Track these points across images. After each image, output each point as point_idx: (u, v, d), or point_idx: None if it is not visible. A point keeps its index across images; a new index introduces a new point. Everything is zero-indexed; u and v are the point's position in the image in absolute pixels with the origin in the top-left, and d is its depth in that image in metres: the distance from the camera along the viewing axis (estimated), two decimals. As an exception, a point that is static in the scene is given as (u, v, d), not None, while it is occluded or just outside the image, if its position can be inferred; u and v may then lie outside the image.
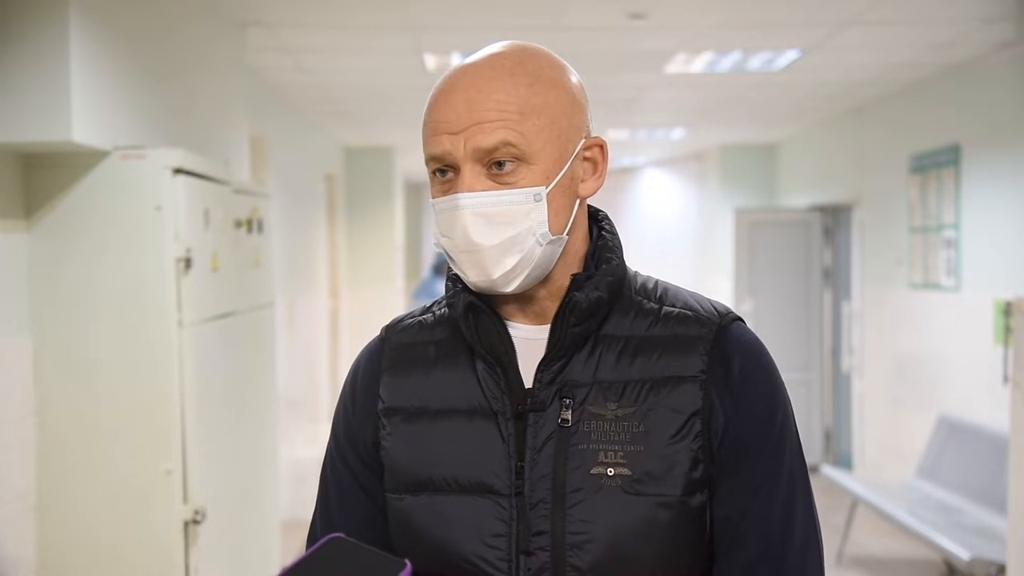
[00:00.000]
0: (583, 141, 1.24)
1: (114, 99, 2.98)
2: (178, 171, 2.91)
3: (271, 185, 5.68)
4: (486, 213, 1.18)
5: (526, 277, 1.20)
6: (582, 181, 1.24)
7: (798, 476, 1.23)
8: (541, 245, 1.19)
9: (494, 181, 1.18)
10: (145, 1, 3.34)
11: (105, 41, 2.91)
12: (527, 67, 1.21)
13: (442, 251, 1.24)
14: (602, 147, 1.26)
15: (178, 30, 3.67)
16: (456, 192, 1.18)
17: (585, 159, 1.24)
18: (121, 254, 2.88)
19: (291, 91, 6.30)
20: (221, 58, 4.25)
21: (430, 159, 1.21)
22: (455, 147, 1.18)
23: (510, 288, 1.20)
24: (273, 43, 4.92)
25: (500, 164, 1.18)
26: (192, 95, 3.80)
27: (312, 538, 1.34)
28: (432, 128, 1.20)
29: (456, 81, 1.21)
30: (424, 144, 1.22)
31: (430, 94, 1.24)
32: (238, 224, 3.50)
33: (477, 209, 1.18)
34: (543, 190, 1.19)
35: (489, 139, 1.17)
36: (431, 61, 5.45)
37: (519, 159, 1.18)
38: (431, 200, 1.24)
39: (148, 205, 2.88)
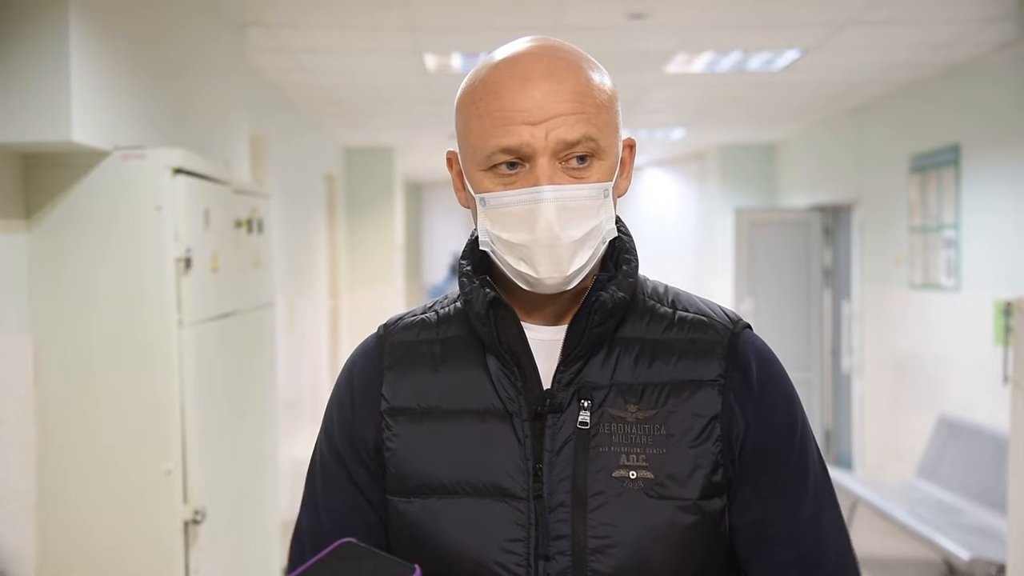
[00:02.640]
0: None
1: (114, 99, 2.98)
2: (178, 171, 2.91)
3: (271, 185, 5.68)
4: (568, 207, 1.14)
5: (585, 274, 1.18)
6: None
7: (823, 477, 1.24)
8: (604, 243, 1.18)
9: (569, 175, 1.15)
10: (145, 1, 3.34)
11: (105, 41, 2.91)
12: (588, 61, 1.19)
13: (490, 250, 1.19)
14: (632, 147, 1.25)
15: (178, 30, 3.67)
16: (536, 184, 1.14)
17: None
18: (121, 254, 2.88)
19: (291, 91, 6.30)
20: (221, 58, 4.25)
21: (502, 150, 1.14)
22: (534, 138, 1.13)
23: (571, 285, 1.17)
24: (273, 43, 4.92)
25: (581, 158, 1.15)
26: (192, 95, 3.80)
27: (298, 544, 1.28)
28: (504, 118, 1.14)
29: (527, 70, 1.15)
30: (485, 135, 1.15)
31: (478, 84, 1.18)
32: (238, 224, 3.50)
33: (561, 202, 1.14)
34: (610, 185, 1.18)
35: (573, 132, 1.13)
36: (431, 61, 5.44)
37: (594, 154, 1.16)
38: (483, 195, 1.17)
39: (148, 205, 2.88)
